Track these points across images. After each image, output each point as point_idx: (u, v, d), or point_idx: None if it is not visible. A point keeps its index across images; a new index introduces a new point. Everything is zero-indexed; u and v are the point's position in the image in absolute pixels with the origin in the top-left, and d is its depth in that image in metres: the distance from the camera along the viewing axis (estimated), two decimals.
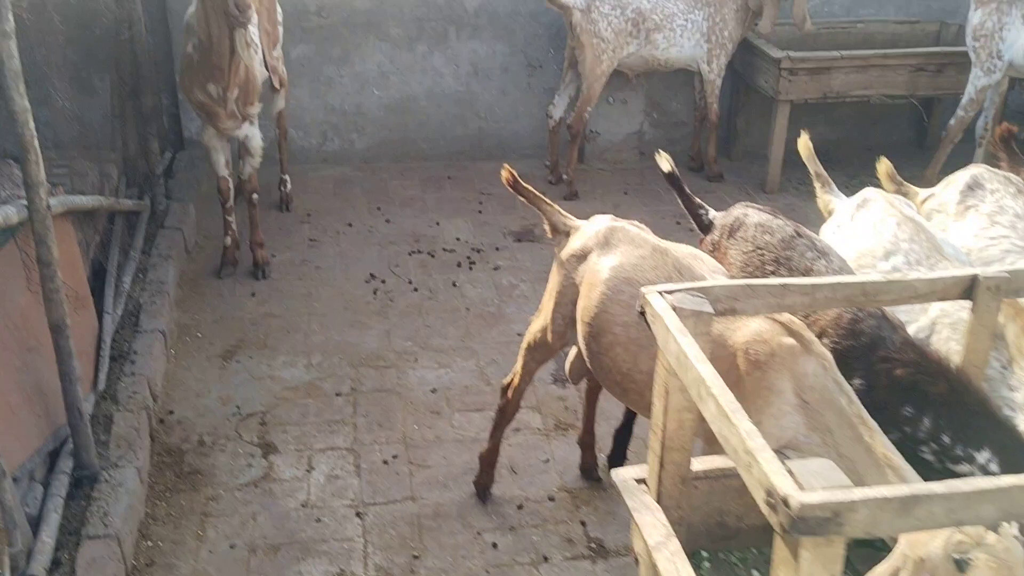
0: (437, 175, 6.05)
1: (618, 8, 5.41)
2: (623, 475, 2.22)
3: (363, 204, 5.63)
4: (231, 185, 4.65)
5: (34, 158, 2.74)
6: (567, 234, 3.12)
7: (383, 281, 4.81)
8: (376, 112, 6.06)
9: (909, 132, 6.58)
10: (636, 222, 3.04)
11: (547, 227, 3.24)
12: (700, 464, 2.20)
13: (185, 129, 5.90)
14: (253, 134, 4.50)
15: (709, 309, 2.04)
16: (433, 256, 5.06)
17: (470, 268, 4.96)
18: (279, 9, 4.33)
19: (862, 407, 2.20)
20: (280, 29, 4.23)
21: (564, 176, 5.71)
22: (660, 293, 2.07)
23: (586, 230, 3.01)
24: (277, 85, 4.52)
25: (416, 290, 4.74)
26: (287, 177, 5.48)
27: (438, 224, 5.40)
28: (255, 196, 4.70)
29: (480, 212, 5.56)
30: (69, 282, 3.14)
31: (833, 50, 5.62)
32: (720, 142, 6.11)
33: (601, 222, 3.00)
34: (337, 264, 4.97)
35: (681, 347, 1.85)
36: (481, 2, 5.88)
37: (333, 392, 3.95)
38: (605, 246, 2.89)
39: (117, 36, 4.47)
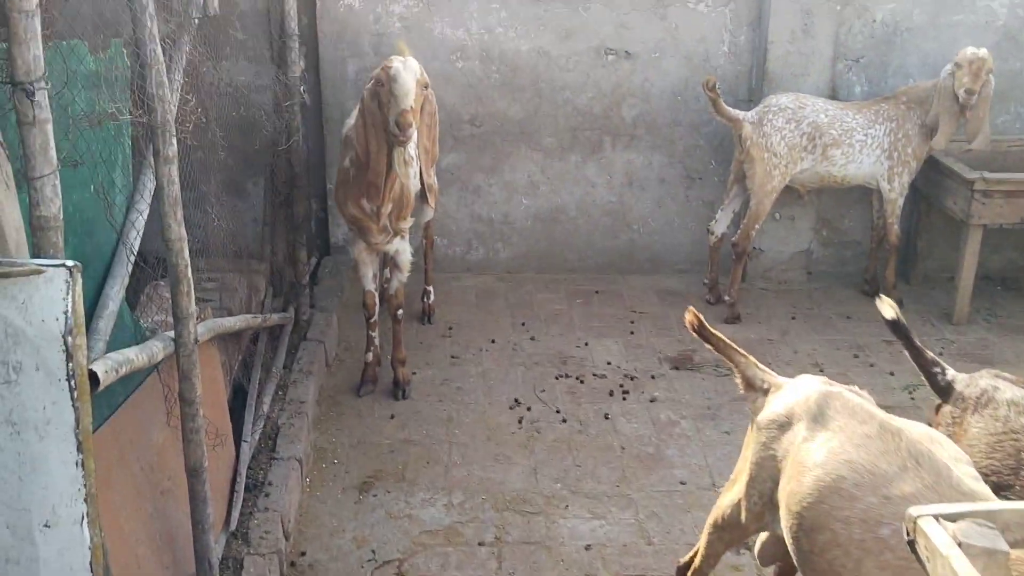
0: (584, 289, 5.71)
1: (793, 122, 5.02)
2: None
3: (507, 318, 5.33)
4: (377, 300, 4.43)
5: (186, 289, 2.54)
6: (765, 391, 2.69)
7: (528, 408, 4.44)
8: (523, 222, 5.82)
9: None
10: (855, 388, 2.59)
11: (739, 380, 2.82)
12: None
13: (332, 235, 5.80)
14: (403, 249, 4.29)
15: (1004, 547, 1.57)
16: (582, 382, 4.68)
17: (623, 398, 4.54)
18: (438, 124, 4.13)
19: None
20: (437, 147, 4.03)
21: (726, 297, 5.28)
22: (937, 518, 1.61)
23: (791, 392, 2.57)
24: (431, 204, 4.28)
25: (564, 421, 4.35)
26: (431, 288, 5.25)
27: (586, 344, 5.03)
28: (400, 312, 4.46)
29: (632, 333, 5.16)
30: (210, 415, 2.91)
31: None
32: (898, 265, 5.55)
33: (811, 385, 2.56)
34: (480, 385, 4.65)
35: None
36: (640, 112, 5.61)
37: (476, 540, 3.57)
38: (818, 418, 2.44)
39: (275, 146, 4.38)
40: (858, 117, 5.13)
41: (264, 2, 4.20)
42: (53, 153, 1.88)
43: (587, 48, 5.49)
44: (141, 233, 2.58)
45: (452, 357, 4.89)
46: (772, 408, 2.59)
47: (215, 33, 3.61)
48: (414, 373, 4.68)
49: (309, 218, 4.88)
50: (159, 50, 2.21)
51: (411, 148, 3.71)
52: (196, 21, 3.18)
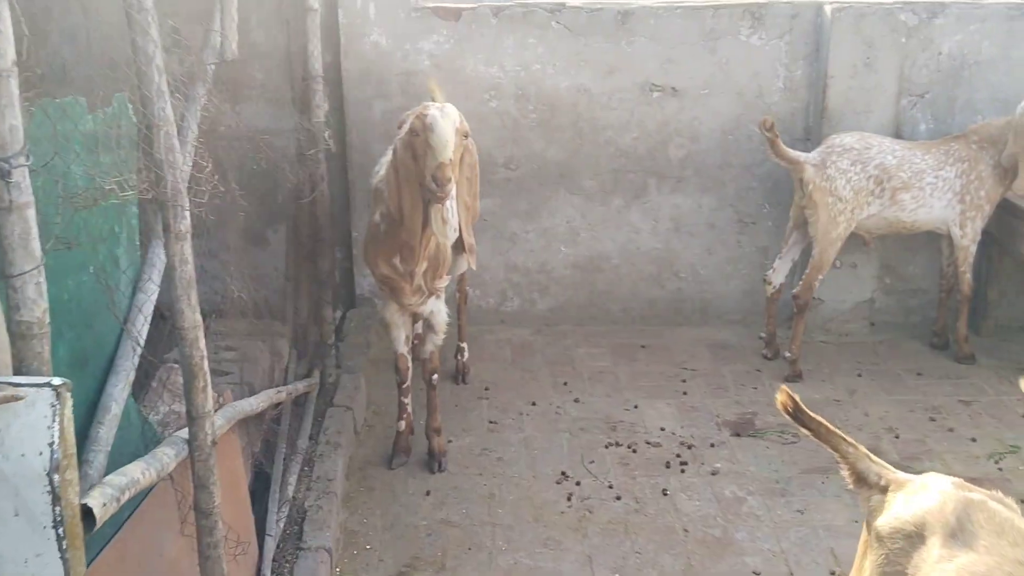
0: (629, 343, 5.30)
1: (858, 164, 4.62)
2: None
3: (547, 377, 4.92)
4: (410, 364, 4.04)
5: (201, 385, 2.15)
6: (884, 490, 2.27)
7: (578, 483, 4.02)
8: (562, 271, 5.42)
9: None
10: (998, 494, 2.16)
11: (846, 474, 2.41)
12: None
13: (357, 286, 5.42)
14: (439, 309, 3.91)
15: None
16: (634, 451, 4.26)
17: (681, 470, 4.11)
18: (478, 177, 3.71)
19: None
20: (479, 202, 3.64)
21: (786, 354, 4.85)
22: None
23: (922, 499, 2.16)
24: (473, 266, 3.83)
25: (619, 498, 3.93)
26: (464, 345, 4.86)
27: (636, 407, 4.61)
28: (435, 377, 4.07)
29: (685, 394, 4.74)
30: (230, 517, 2.51)
31: None
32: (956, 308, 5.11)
33: (944, 489, 2.14)
34: (522, 456, 4.23)
35: None
36: (687, 152, 5.22)
37: None
38: (957, 533, 2.03)
39: (298, 196, 4.01)
40: (927, 158, 4.72)
41: (285, 41, 3.87)
42: (36, 244, 1.51)
43: (631, 85, 5.12)
44: (149, 320, 2.19)
45: (490, 423, 4.48)
46: (897, 514, 2.17)
47: (233, 77, 3.27)
48: (449, 441, 4.28)
49: (334, 272, 4.51)
50: (169, 109, 1.84)
51: (450, 203, 3.34)
52: (212, 68, 2.83)
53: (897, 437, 4.29)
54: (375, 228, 3.71)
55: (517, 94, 5.11)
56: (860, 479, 2.37)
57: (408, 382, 4.07)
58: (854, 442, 2.44)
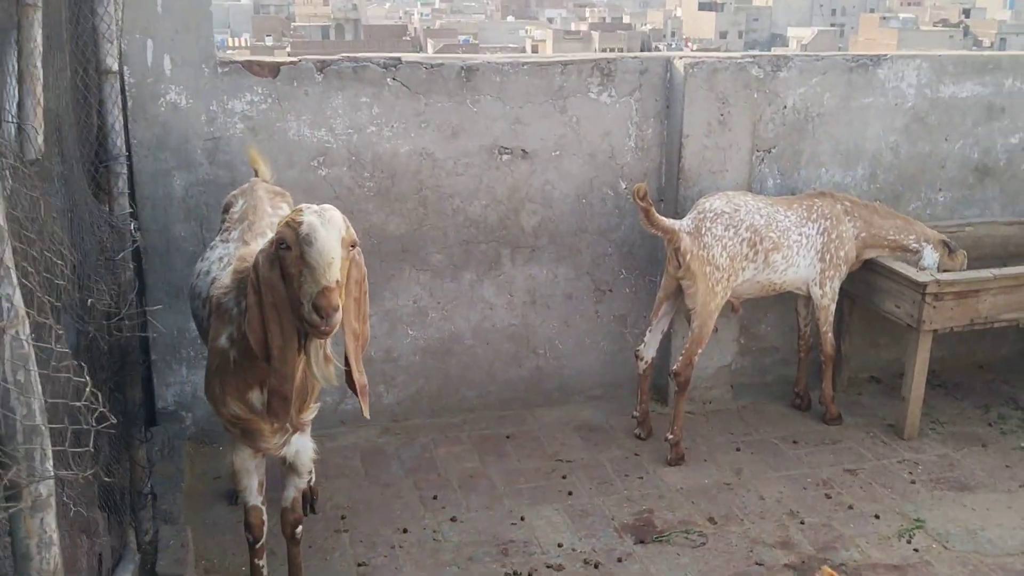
0: (492, 434, 4.72)
1: (731, 228, 4.35)
2: None
3: (411, 491, 4.22)
4: (265, 518, 3.20)
5: None
6: None
7: None
8: (410, 357, 4.74)
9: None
10: None
11: None
12: None
13: (159, 398, 4.43)
14: (304, 447, 3.12)
15: None
16: None
17: None
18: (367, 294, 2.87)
19: None
20: (369, 325, 2.82)
21: (668, 436, 4.46)
22: None
23: None
24: (366, 413, 2.91)
25: None
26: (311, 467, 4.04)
27: (523, 519, 4.02)
28: (299, 530, 3.26)
29: (570, 494, 4.22)
30: None
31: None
32: (815, 367, 5.01)
33: None
34: None
35: None
36: (541, 219, 4.74)
37: None
38: None
39: (106, 318, 3.03)
40: (790, 214, 4.55)
41: (80, 116, 2.91)
42: None
43: (478, 148, 4.56)
44: None
45: (359, 565, 3.70)
46: None
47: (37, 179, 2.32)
48: None
49: (142, 405, 3.52)
50: None
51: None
52: (8, 173, 1.93)
53: (803, 523, 4.01)
54: (221, 355, 2.85)
55: (350, 160, 4.39)
56: None
57: (263, 539, 3.23)
58: None
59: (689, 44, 72.15)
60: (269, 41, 63.75)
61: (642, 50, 54.02)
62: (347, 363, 2.76)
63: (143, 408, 3.44)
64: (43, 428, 1.63)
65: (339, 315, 2.46)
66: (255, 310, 2.57)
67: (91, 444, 2.19)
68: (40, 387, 1.66)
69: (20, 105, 2.01)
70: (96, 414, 1.87)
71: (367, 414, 2.82)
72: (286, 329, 2.57)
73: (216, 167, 4.24)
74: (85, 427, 2.15)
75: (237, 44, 59.80)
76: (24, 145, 2.01)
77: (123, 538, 3.21)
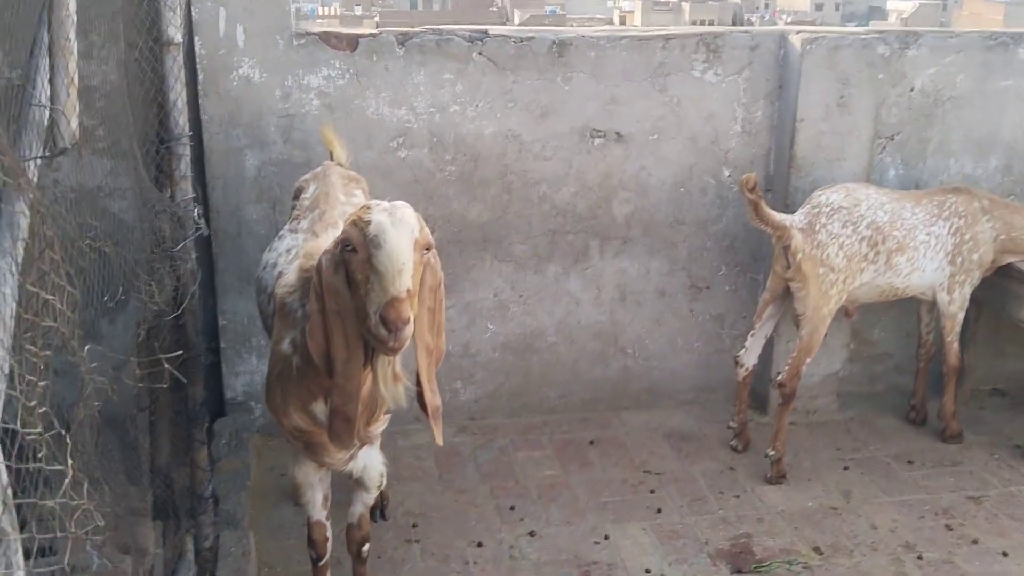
0: (576, 438, 4.39)
1: (850, 225, 3.90)
2: None
3: (487, 499, 3.93)
4: (329, 534, 2.95)
5: None
6: None
7: None
8: (489, 353, 4.44)
9: None
10: None
11: None
12: None
13: (227, 388, 4.22)
14: (373, 462, 2.84)
15: None
16: None
17: None
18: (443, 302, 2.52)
19: None
20: (444, 338, 2.50)
21: (769, 451, 4.06)
22: None
23: None
24: (439, 440, 2.58)
25: None
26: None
27: (607, 538, 3.69)
28: (365, 548, 3.00)
29: (659, 511, 3.86)
30: None
31: None
32: (935, 378, 4.51)
33: None
34: None
35: None
36: (634, 208, 4.36)
37: None
38: None
39: (159, 314, 2.80)
40: (918, 211, 4.07)
41: (140, 93, 2.68)
42: None
43: (568, 130, 4.19)
44: None
45: None
46: None
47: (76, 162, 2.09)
48: None
49: (204, 404, 3.28)
50: None
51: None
52: (36, 165, 1.67)
53: (920, 558, 3.58)
54: (283, 361, 2.58)
55: (431, 142, 4.08)
56: None
57: (327, 556, 2.98)
58: None
59: (782, 17, 69.64)
60: (358, 10, 63.89)
61: (734, 23, 52.40)
62: (418, 382, 2.45)
63: (205, 405, 3.21)
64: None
65: (409, 329, 2.15)
66: (317, 318, 2.28)
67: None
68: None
69: (52, 84, 1.74)
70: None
71: (439, 440, 2.53)
72: (351, 341, 2.28)
73: (290, 146, 3.98)
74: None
75: (327, 13, 60.14)
76: (54, 132, 1.75)
77: (179, 547, 3.00)
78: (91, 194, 2.95)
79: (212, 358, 4.22)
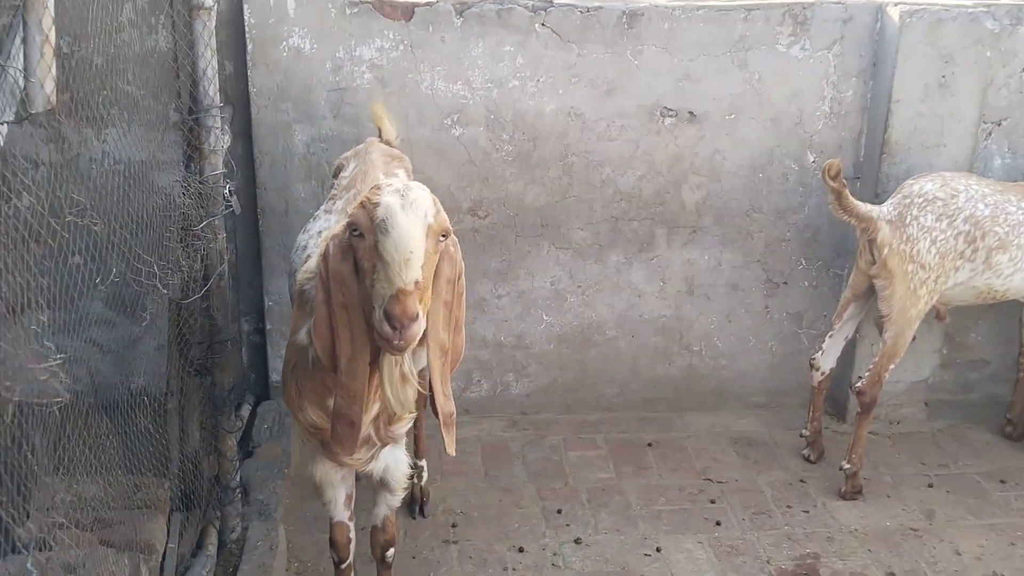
0: (632, 439, 4.12)
1: (945, 218, 3.50)
2: None
3: (533, 500, 3.70)
4: (352, 535, 2.76)
5: None
6: None
7: None
8: (544, 345, 4.19)
9: None
10: None
11: None
12: None
13: (272, 370, 4.10)
14: (396, 462, 2.63)
15: None
16: None
17: None
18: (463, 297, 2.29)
19: None
20: (463, 336, 2.27)
21: (845, 464, 3.71)
22: None
23: None
24: (451, 450, 2.32)
25: None
26: (423, 463, 3.60)
27: (659, 551, 3.42)
28: (390, 553, 2.80)
29: (718, 524, 3.57)
30: None
31: None
32: None
33: None
34: None
35: None
36: (706, 194, 4.04)
37: None
38: None
39: (184, 292, 2.65)
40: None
41: (168, 60, 2.52)
42: None
43: (637, 108, 3.90)
44: None
45: None
46: None
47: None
48: None
49: (236, 388, 3.14)
50: None
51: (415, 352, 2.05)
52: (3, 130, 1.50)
53: None
54: (300, 353, 2.39)
55: (488, 119, 3.84)
56: None
57: (350, 559, 2.79)
58: None
59: None
60: None
61: None
62: (430, 385, 2.22)
63: (233, 392, 3.06)
64: None
65: (418, 327, 1.91)
66: (322, 309, 2.07)
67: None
68: None
69: (25, 43, 1.57)
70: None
71: (451, 450, 2.29)
72: (357, 336, 2.06)
73: (341, 121, 3.80)
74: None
75: None
76: (29, 95, 1.58)
77: (199, 540, 2.86)
78: (139, 167, 2.82)
79: (257, 339, 4.11)
